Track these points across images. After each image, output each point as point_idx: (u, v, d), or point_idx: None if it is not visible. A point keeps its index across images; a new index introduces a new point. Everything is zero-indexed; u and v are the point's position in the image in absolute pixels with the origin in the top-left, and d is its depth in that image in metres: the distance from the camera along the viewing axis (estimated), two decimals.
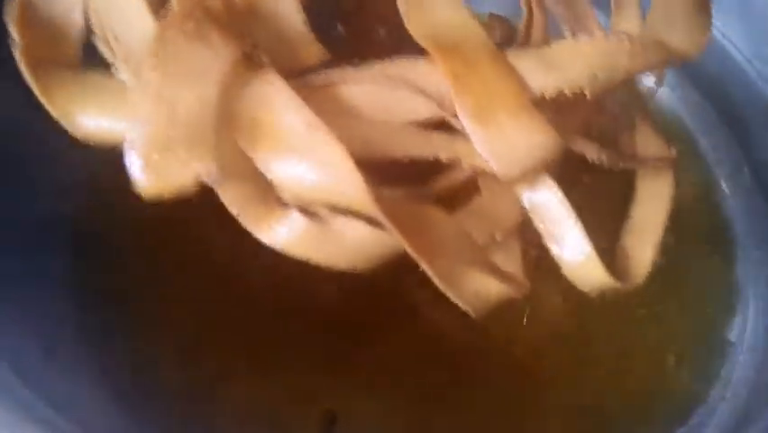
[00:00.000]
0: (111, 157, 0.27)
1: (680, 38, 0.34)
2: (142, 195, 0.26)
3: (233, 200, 0.28)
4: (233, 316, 0.39)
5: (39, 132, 0.38)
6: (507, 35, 0.45)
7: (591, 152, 0.34)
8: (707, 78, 0.50)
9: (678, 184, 0.39)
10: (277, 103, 0.28)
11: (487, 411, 0.38)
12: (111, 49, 0.30)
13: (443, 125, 0.31)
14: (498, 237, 0.33)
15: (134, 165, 0.26)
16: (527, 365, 0.40)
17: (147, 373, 0.37)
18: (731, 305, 0.44)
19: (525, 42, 0.37)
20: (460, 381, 0.39)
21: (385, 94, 0.31)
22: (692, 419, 0.40)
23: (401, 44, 0.32)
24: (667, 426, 0.40)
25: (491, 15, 0.46)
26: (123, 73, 0.29)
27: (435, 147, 0.31)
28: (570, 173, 0.33)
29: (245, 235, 0.40)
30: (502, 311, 0.40)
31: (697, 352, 0.42)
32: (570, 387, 0.40)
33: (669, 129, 0.47)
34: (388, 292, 0.39)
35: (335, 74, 0.31)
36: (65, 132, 0.30)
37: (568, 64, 0.31)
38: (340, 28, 0.37)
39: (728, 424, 0.39)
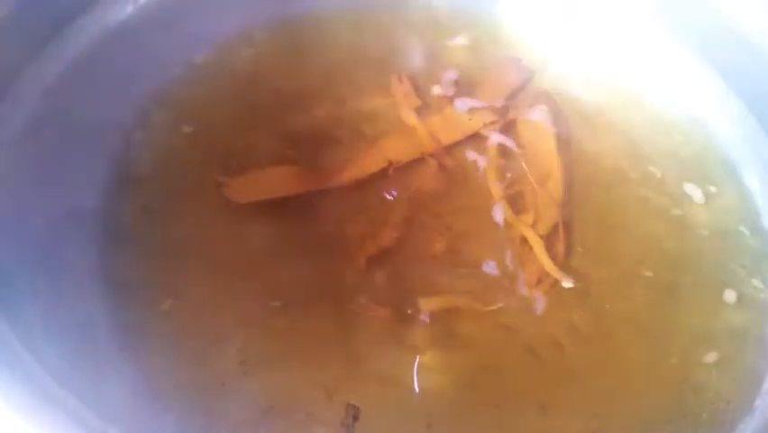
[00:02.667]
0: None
1: None
2: None
3: None
4: (256, 310, 0.39)
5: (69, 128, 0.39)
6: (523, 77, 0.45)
7: None
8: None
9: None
10: None
11: (504, 409, 0.38)
12: None
13: None
14: None
15: None
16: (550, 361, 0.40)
17: (169, 368, 0.37)
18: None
19: None
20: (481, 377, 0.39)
21: None
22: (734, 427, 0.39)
23: None
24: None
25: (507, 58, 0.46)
26: None
27: None
28: None
29: (271, 234, 0.41)
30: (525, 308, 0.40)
31: (735, 358, 0.41)
32: (597, 390, 0.39)
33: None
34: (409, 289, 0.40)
35: None
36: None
37: None
38: None
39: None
